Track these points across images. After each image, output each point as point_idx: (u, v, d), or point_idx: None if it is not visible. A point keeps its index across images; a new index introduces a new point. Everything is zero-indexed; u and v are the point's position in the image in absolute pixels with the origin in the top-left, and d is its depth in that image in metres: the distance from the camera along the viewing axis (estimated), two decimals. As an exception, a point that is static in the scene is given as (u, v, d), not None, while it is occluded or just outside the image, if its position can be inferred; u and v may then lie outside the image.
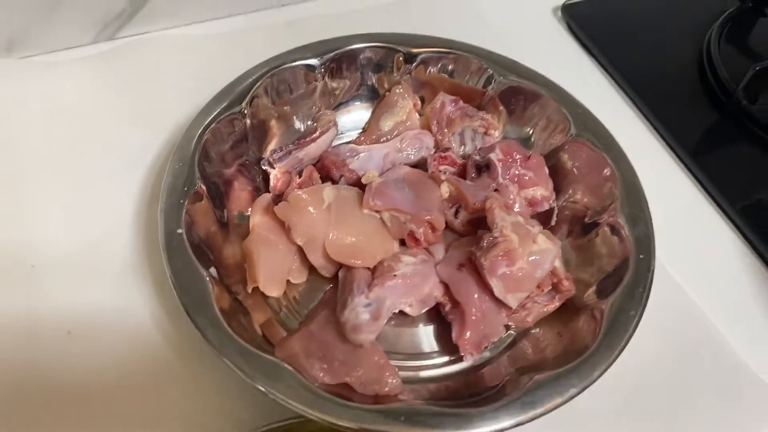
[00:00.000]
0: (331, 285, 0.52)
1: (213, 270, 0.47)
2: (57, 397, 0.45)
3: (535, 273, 0.47)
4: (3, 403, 0.44)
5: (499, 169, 0.53)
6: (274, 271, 0.50)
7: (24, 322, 0.48)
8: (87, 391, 0.46)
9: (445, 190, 0.53)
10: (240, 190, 0.55)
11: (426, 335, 0.50)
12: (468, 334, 0.47)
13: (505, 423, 0.40)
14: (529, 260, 0.47)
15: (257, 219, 0.51)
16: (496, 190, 0.53)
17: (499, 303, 0.48)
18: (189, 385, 0.46)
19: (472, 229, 0.52)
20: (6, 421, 0.44)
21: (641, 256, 0.48)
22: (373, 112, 0.62)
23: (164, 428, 0.44)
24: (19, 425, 0.44)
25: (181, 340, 0.48)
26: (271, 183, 0.55)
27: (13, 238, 0.52)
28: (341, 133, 0.61)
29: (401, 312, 0.49)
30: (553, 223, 0.56)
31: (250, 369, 0.41)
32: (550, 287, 0.49)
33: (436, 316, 0.50)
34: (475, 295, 0.48)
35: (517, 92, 0.59)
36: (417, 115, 0.60)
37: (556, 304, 0.50)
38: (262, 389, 0.41)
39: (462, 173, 0.56)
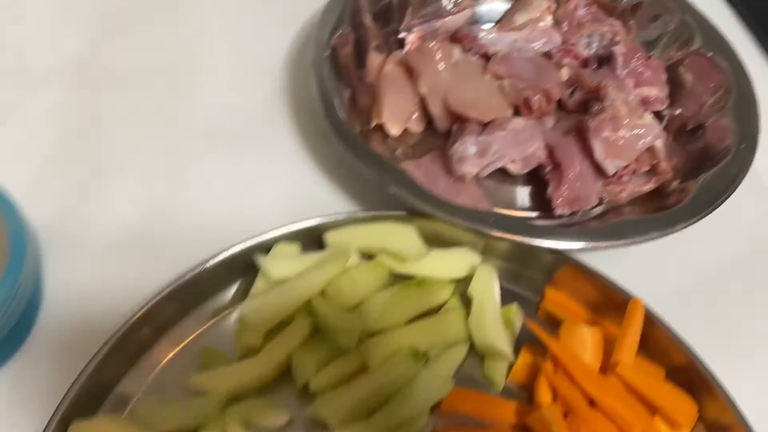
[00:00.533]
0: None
1: (348, 92, 0.53)
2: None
3: (636, 144, 0.50)
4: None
5: (620, 62, 0.57)
6: (397, 111, 0.55)
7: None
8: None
9: (564, 72, 0.57)
10: (376, 57, 0.62)
11: (522, 194, 0.54)
12: (563, 189, 0.51)
13: (585, 244, 0.44)
14: (633, 132, 0.50)
15: (389, 67, 0.58)
16: (613, 81, 0.56)
17: (597, 171, 0.52)
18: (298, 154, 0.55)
19: (584, 110, 0.55)
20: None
21: (743, 145, 0.50)
22: (509, 8, 0.66)
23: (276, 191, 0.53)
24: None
25: (307, 136, 0.57)
26: (406, 46, 0.61)
27: (180, 56, 0.61)
28: (476, 22, 0.66)
29: (503, 171, 0.54)
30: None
31: (373, 168, 0.47)
32: (648, 168, 0.52)
33: (536, 181, 0.54)
34: (577, 158, 0.51)
35: (649, 6, 0.62)
36: (550, 16, 0.64)
37: (652, 185, 0.52)
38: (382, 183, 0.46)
39: (583, 66, 0.60)
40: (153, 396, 0.41)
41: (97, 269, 0.48)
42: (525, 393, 0.44)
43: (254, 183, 0.53)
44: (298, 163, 0.55)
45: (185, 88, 0.59)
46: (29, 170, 0.52)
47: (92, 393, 0.40)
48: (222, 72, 0.60)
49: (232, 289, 0.47)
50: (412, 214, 0.46)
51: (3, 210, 0.41)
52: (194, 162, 0.54)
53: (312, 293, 0.42)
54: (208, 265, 0.44)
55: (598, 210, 0.53)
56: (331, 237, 0.46)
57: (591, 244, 0.44)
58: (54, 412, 0.38)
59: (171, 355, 0.44)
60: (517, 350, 0.45)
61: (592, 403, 0.41)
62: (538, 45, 0.62)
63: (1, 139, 0.54)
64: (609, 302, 0.45)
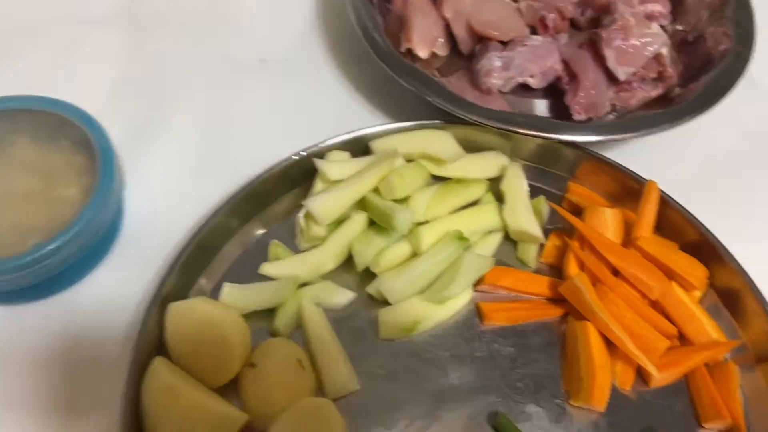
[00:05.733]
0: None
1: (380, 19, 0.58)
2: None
3: (645, 51, 0.56)
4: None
5: (626, -21, 0.62)
6: (424, 35, 0.60)
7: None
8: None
9: (575, -7, 0.62)
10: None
11: (541, 107, 0.60)
12: (580, 96, 0.56)
13: (604, 137, 0.50)
14: (642, 40, 0.55)
15: (415, -5, 0.62)
16: (620, -1, 0.61)
17: (610, 79, 0.57)
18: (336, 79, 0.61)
19: (595, 27, 0.61)
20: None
21: (741, 47, 0.55)
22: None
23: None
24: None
25: (343, 63, 0.62)
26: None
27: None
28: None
29: (523, 86, 0.59)
30: (664, 41, 0.63)
31: (413, 80, 0.53)
32: (655, 75, 0.58)
33: (552, 95, 0.59)
34: (590, 67, 0.57)
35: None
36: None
37: (659, 91, 0.58)
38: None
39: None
40: (231, 284, 0.47)
41: (169, 187, 0.53)
42: (555, 272, 0.50)
43: (298, 107, 0.59)
44: (337, 87, 0.60)
45: (226, 29, 0.64)
46: (94, 106, 0.57)
47: (178, 286, 0.46)
48: (257, 11, 0.65)
49: (289, 197, 0.52)
50: (447, 123, 0.52)
51: (91, 129, 0.47)
52: (244, 92, 0.60)
53: (368, 189, 0.48)
54: (267, 174, 0.50)
55: (611, 117, 0.59)
56: (376, 144, 0.51)
57: (609, 137, 0.50)
58: (152, 298, 0.44)
59: (239, 254, 0.49)
60: (545, 238, 0.51)
61: (615, 273, 0.47)
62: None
63: (64, 79, 0.59)
64: (626, 191, 0.51)
